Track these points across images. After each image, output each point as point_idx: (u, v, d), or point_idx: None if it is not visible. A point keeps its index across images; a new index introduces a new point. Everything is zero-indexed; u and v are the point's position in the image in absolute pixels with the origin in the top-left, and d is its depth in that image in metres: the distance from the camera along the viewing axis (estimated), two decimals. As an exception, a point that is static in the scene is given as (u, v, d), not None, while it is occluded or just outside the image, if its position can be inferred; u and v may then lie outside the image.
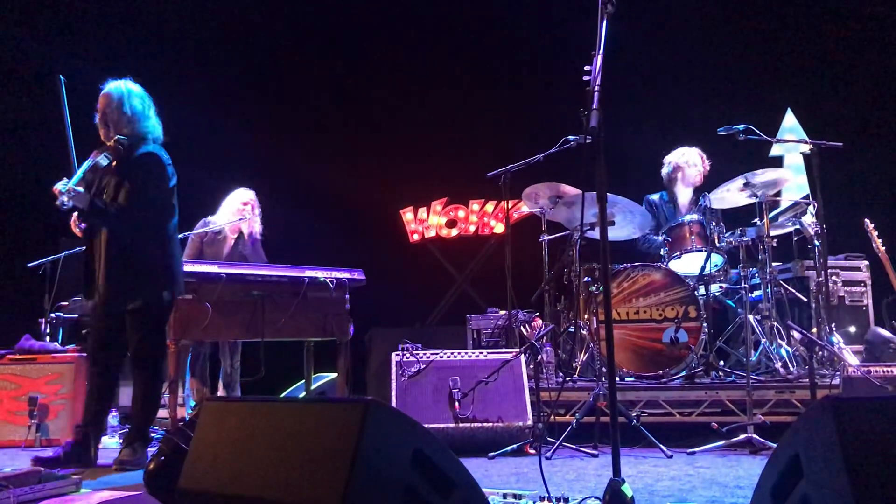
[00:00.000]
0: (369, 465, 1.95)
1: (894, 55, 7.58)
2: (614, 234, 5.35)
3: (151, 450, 4.74)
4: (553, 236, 5.69)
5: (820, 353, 5.18)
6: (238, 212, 6.00)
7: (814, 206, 5.44)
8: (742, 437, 4.31)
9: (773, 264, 5.33)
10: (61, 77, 4.18)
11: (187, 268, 4.82)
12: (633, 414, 4.61)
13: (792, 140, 6.61)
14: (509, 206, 5.82)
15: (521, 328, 5.60)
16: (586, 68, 2.87)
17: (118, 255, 4.21)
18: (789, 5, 7.96)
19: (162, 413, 5.47)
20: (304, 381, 5.79)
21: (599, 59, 2.86)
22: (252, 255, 6.02)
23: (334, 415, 2.05)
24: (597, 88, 2.81)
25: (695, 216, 5.58)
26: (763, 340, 5.24)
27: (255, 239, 6.10)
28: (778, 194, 5.54)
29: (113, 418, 5.32)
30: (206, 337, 5.22)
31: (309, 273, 5.15)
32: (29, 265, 5.73)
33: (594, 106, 2.76)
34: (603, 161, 2.76)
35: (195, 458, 2.30)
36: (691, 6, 7.99)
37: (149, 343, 4.31)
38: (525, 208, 6.96)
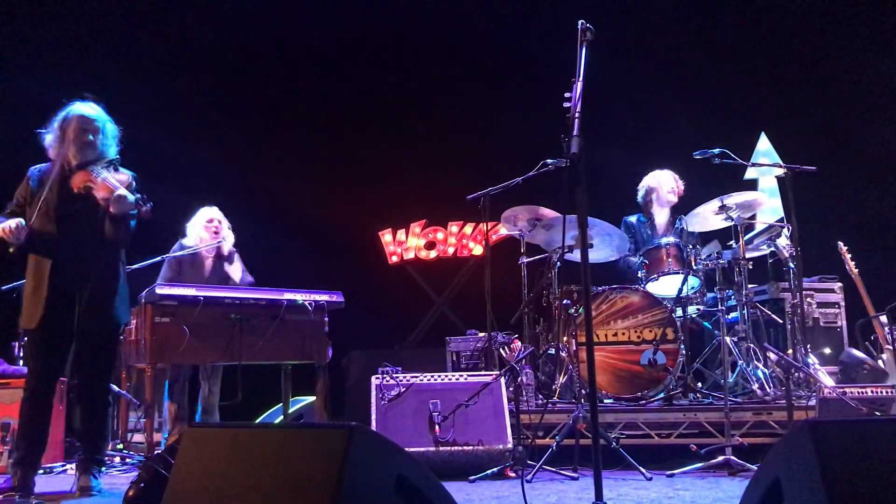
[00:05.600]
0: (353, 492, 1.94)
1: (866, 80, 7.73)
2: (592, 256, 5.38)
3: (112, 475, 4.71)
4: (532, 259, 5.71)
5: (796, 374, 5.23)
6: (208, 231, 5.95)
7: (788, 229, 5.50)
8: (720, 458, 4.33)
9: (749, 286, 5.38)
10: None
11: (165, 291, 4.79)
12: (612, 436, 4.63)
13: (766, 164, 6.69)
14: (488, 229, 5.84)
15: (501, 350, 5.60)
16: (566, 95, 2.90)
17: (112, 270, 4.24)
18: (763, 31, 8.10)
19: (138, 438, 5.42)
20: (281, 404, 5.75)
21: (579, 86, 2.90)
22: (233, 270, 5.98)
23: (318, 441, 2.05)
24: (577, 115, 2.84)
25: (672, 239, 5.64)
26: (740, 362, 5.28)
27: (231, 253, 6.06)
28: (753, 217, 5.61)
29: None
30: (183, 360, 5.18)
31: (287, 296, 5.14)
32: (2, 288, 5.66)
33: (575, 132, 2.79)
34: (584, 186, 2.78)
35: (177, 485, 2.28)
36: (667, 32, 8.11)
37: (112, 365, 4.35)
38: (504, 230, 6.98)
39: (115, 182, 4.10)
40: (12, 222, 3.97)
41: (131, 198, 4.06)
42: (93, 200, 4.09)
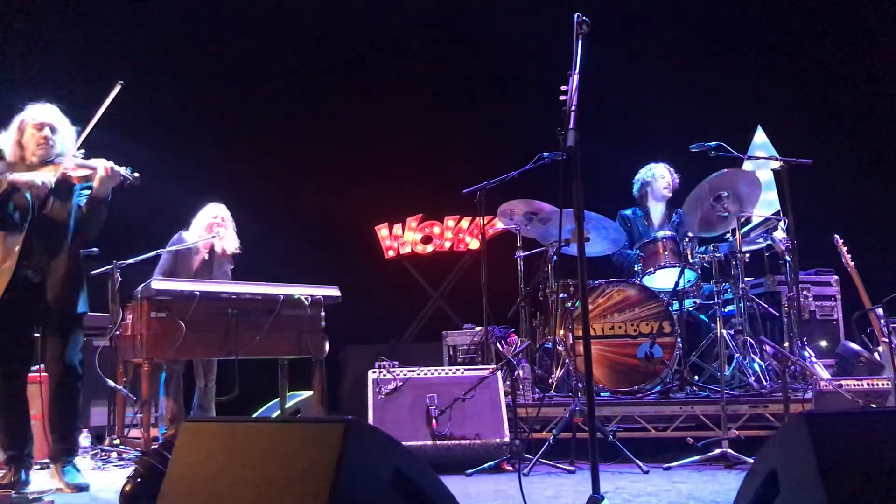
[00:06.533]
0: (350, 486, 1.94)
1: (863, 73, 7.73)
2: (589, 249, 5.36)
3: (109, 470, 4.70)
4: (528, 252, 5.71)
5: (792, 367, 5.23)
6: (209, 227, 5.95)
7: (784, 222, 5.51)
8: (717, 451, 4.34)
9: (746, 279, 5.39)
10: (121, 82, 4.25)
11: (161, 286, 4.78)
12: (609, 429, 4.63)
13: (762, 157, 6.67)
14: (484, 223, 5.83)
15: (497, 344, 5.61)
16: (563, 88, 2.89)
17: (76, 260, 4.21)
18: (759, 23, 8.10)
19: (135, 433, 5.41)
20: (277, 399, 5.75)
21: (575, 79, 2.89)
22: (219, 274, 5.96)
23: (315, 435, 2.04)
24: (573, 108, 2.83)
25: (668, 232, 5.66)
26: (736, 355, 5.29)
27: (227, 257, 6.05)
28: (749, 210, 5.60)
29: (85, 438, 5.23)
30: (179, 356, 5.17)
31: (284, 290, 5.14)
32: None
33: (571, 126, 2.79)
34: (580, 180, 2.78)
35: (174, 479, 2.28)
36: (663, 24, 8.10)
37: (79, 344, 4.29)
38: (500, 224, 6.98)
39: (93, 162, 4.11)
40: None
41: (120, 169, 4.07)
42: (64, 191, 4.11)
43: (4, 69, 7.26)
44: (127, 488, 3.09)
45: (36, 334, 4.22)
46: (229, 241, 6.04)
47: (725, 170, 5.30)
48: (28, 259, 4.04)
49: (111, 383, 5.18)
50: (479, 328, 5.93)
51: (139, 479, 3.06)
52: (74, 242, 4.19)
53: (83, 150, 4.24)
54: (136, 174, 4.19)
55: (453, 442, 4.55)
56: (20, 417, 4.11)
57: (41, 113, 4.21)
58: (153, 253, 5.70)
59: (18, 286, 4.02)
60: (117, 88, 4.25)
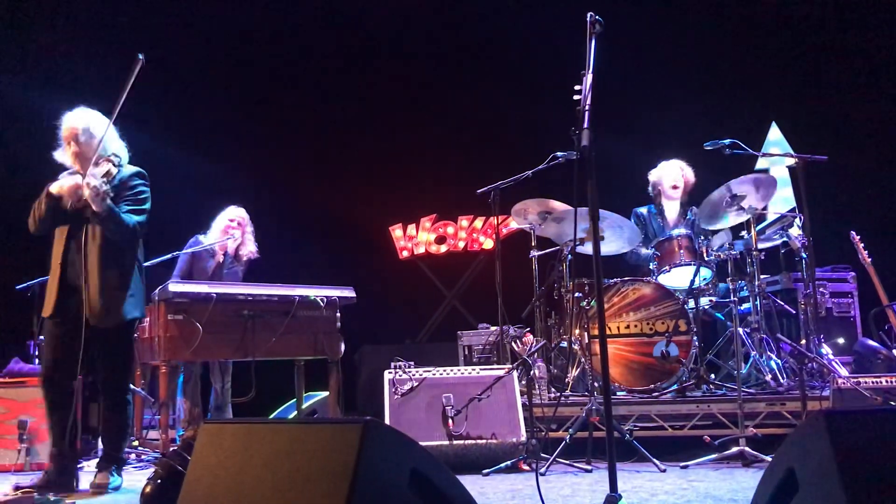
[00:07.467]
0: (368, 486, 1.95)
1: (878, 68, 7.68)
2: (604, 248, 5.36)
3: (128, 471, 4.74)
4: (543, 252, 5.71)
5: (809, 364, 5.21)
6: (225, 230, 5.99)
7: (800, 219, 5.48)
8: (734, 449, 4.32)
9: (762, 277, 5.36)
10: (141, 56, 4.09)
11: (178, 288, 4.81)
12: (626, 428, 4.62)
13: (777, 154, 6.65)
14: (498, 222, 5.83)
15: (513, 344, 5.60)
16: (576, 88, 2.89)
17: (114, 267, 4.15)
18: (773, 21, 8.06)
19: (153, 434, 5.45)
20: (294, 400, 5.77)
21: (589, 79, 2.89)
22: (230, 276, 5.99)
23: (333, 435, 2.06)
24: (587, 107, 2.84)
25: (683, 230, 5.63)
26: (753, 353, 5.26)
27: (240, 261, 6.08)
28: (765, 207, 5.58)
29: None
30: (196, 357, 5.21)
31: (299, 292, 5.16)
32: (17, 287, 5.70)
33: (585, 125, 2.79)
34: (595, 179, 2.78)
35: (193, 480, 2.30)
36: (677, 22, 8.08)
37: (128, 363, 4.34)
38: (514, 224, 6.98)
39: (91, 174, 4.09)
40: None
41: (96, 182, 4.00)
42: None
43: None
44: (147, 489, 3.11)
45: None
46: (246, 245, 6.07)
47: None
48: (68, 267, 4.11)
49: (130, 385, 5.21)
50: (494, 328, 5.93)
51: (159, 481, 3.08)
52: (109, 249, 4.13)
53: (112, 153, 4.24)
54: (105, 182, 4.06)
55: (470, 442, 4.55)
56: (57, 416, 4.17)
57: (66, 123, 4.24)
58: (169, 256, 5.74)
59: (62, 294, 4.09)
60: (139, 65, 4.08)
